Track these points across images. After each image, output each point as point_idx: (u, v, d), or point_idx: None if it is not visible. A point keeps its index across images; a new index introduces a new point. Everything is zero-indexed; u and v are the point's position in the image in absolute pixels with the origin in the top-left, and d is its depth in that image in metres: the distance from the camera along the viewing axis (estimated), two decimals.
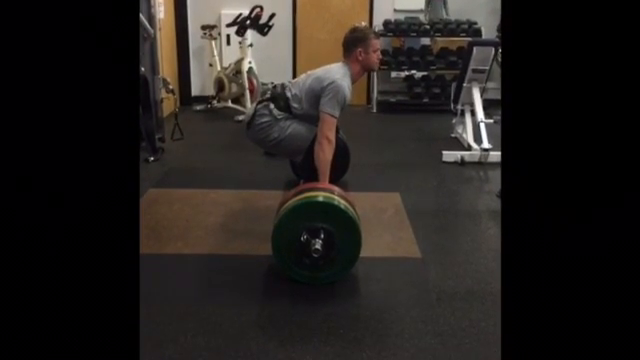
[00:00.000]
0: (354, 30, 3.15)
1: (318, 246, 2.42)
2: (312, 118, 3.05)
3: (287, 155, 3.51)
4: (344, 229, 2.48)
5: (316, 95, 3.01)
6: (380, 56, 3.19)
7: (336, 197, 2.58)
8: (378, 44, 3.14)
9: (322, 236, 2.45)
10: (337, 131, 3.09)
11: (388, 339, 2.15)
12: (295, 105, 3.10)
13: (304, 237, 2.45)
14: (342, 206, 2.52)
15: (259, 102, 3.23)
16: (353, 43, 3.08)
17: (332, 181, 2.95)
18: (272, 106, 3.12)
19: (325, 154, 2.92)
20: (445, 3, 6.96)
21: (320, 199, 2.57)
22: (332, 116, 2.94)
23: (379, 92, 6.72)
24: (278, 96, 3.15)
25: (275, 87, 3.22)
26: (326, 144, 2.92)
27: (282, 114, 3.11)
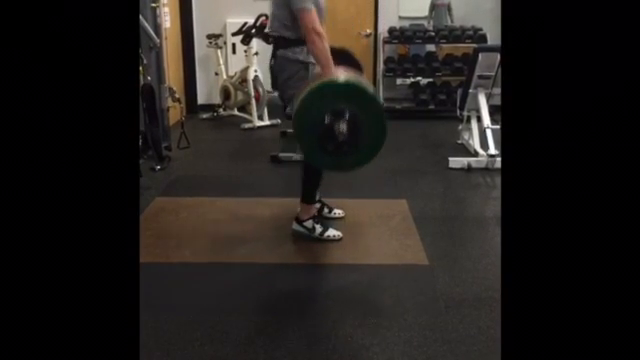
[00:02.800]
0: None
1: (343, 128, 2.33)
2: (292, 29, 2.89)
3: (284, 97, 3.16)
4: (369, 111, 2.38)
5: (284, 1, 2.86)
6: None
7: (359, 80, 2.49)
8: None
9: (347, 117, 2.34)
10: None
11: (396, 347, 2.14)
12: (276, 24, 2.96)
13: (328, 119, 2.36)
14: (366, 88, 2.43)
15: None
16: None
17: None
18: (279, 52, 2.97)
19: (317, 45, 2.69)
20: (449, 10, 6.97)
21: (344, 81, 2.47)
22: (306, 9, 2.72)
23: (385, 99, 6.72)
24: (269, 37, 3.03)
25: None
26: (316, 37, 2.69)
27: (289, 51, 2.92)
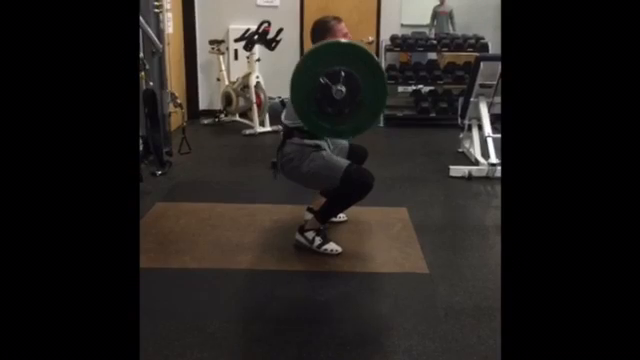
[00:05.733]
0: (316, 24, 2.98)
1: (340, 87, 2.32)
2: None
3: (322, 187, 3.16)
4: (367, 72, 2.36)
5: None
6: (350, 38, 2.99)
7: (356, 42, 2.47)
8: (344, 27, 2.94)
9: (342, 79, 2.33)
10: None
11: (395, 356, 2.13)
12: (289, 117, 2.91)
13: (323, 80, 2.34)
14: (363, 47, 2.41)
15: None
16: (321, 35, 2.88)
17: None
18: (292, 140, 2.93)
19: None
20: (451, 17, 7.00)
21: (337, 42, 2.45)
22: None
23: (386, 106, 6.72)
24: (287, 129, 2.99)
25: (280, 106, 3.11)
26: None
27: (303, 141, 2.89)
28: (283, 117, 3.01)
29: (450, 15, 6.98)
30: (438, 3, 6.93)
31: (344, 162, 2.86)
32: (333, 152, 3.00)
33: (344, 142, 3.17)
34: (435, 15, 7.01)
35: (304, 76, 2.40)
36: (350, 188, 2.83)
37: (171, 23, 5.78)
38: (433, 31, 6.96)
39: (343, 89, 2.33)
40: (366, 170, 2.86)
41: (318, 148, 2.89)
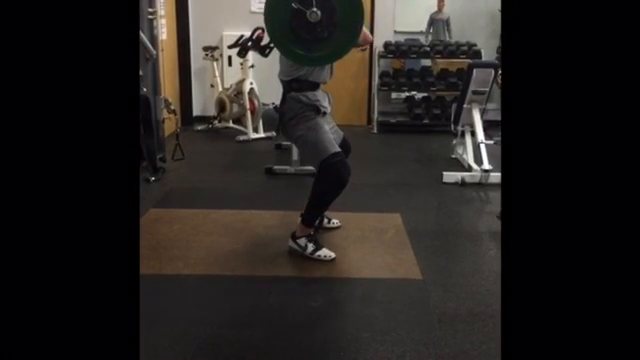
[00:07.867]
0: None
1: (314, 9, 2.31)
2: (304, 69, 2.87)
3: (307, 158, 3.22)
4: None
5: None
6: None
7: None
8: None
9: (315, 1, 2.32)
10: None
11: None
12: (284, 71, 2.94)
13: (296, 5, 2.32)
14: None
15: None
16: None
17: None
18: (291, 94, 2.91)
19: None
20: (448, 25, 7.03)
21: None
22: None
23: (380, 113, 6.75)
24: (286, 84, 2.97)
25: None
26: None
27: (302, 99, 2.87)
28: (278, 75, 3.00)
29: (447, 22, 7.00)
30: (435, 10, 6.96)
31: (333, 149, 2.86)
32: (332, 130, 2.99)
33: (341, 132, 3.18)
34: (432, 22, 7.03)
35: (277, 6, 2.38)
36: (324, 176, 2.85)
37: (165, 29, 5.78)
38: (430, 38, 6.97)
39: (318, 12, 2.33)
40: (347, 166, 2.89)
41: (317, 111, 2.88)
